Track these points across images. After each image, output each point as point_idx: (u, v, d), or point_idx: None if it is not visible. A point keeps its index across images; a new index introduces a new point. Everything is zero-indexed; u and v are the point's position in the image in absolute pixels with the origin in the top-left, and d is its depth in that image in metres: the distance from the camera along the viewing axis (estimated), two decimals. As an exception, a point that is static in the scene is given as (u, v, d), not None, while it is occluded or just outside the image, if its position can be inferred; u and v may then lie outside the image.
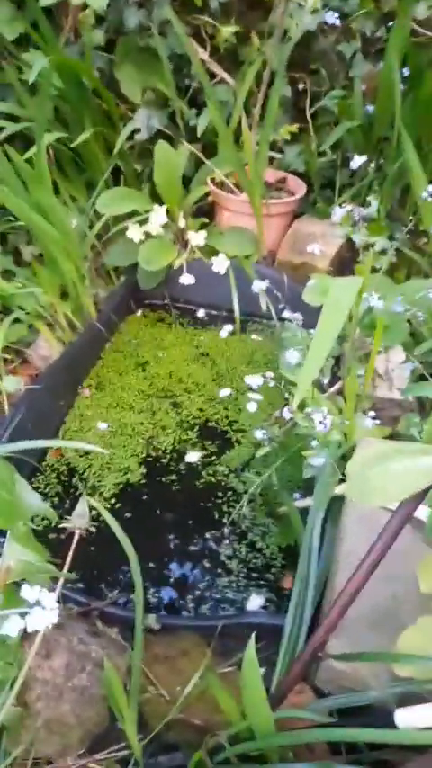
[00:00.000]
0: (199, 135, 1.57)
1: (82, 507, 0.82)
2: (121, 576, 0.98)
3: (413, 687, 0.65)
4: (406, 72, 1.47)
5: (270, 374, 1.08)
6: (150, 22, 1.51)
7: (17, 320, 1.28)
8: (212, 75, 1.61)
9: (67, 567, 0.77)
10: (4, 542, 0.75)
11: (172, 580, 0.98)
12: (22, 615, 0.53)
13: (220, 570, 0.99)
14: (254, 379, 1.18)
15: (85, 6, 1.42)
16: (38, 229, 1.25)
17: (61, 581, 0.77)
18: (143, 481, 1.14)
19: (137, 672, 0.74)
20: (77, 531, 0.80)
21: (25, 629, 0.54)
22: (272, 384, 1.07)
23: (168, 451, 1.21)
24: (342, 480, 0.90)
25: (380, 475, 0.60)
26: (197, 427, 1.27)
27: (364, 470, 0.62)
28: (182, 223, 1.52)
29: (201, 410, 1.31)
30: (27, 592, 0.54)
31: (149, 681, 0.81)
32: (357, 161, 1.17)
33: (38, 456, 1.16)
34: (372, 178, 1.58)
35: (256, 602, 0.94)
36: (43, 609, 0.53)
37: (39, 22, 1.40)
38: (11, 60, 1.50)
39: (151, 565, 1.00)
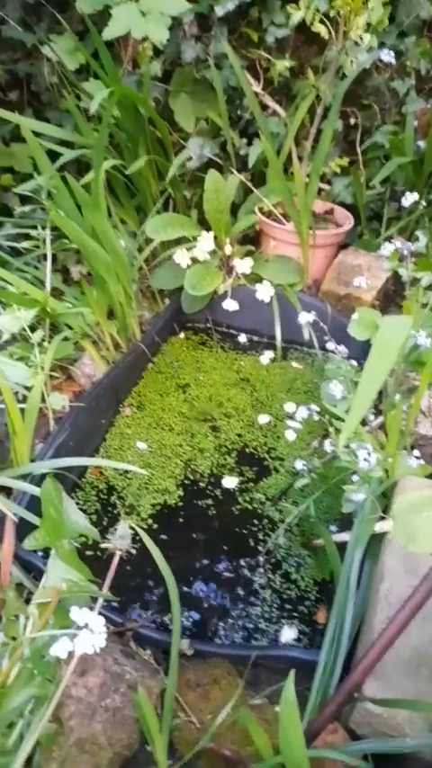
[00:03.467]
0: (250, 165, 1.60)
1: (123, 528, 0.84)
2: (154, 597, 0.99)
3: (452, 738, 0.63)
4: (459, 109, 1.48)
5: (314, 407, 1.08)
6: (207, 55, 1.56)
7: (65, 338, 1.32)
8: (264, 108, 1.65)
9: (106, 586, 0.78)
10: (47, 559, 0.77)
11: (204, 605, 0.98)
12: (71, 637, 0.54)
13: (253, 599, 0.99)
14: (294, 409, 1.18)
15: (144, 39, 1.47)
16: (90, 252, 1.29)
17: (100, 600, 0.78)
18: (180, 504, 1.15)
19: (170, 698, 0.75)
20: (118, 552, 0.82)
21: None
22: (315, 417, 1.07)
23: (206, 475, 1.22)
24: (382, 518, 0.90)
25: (428, 521, 0.60)
26: (235, 452, 1.28)
27: (411, 515, 0.62)
28: (228, 250, 1.54)
29: (239, 435, 1.32)
30: (76, 614, 0.55)
31: (180, 707, 0.81)
32: (409, 198, 1.18)
33: (78, 473, 1.18)
34: (420, 213, 1.58)
35: (288, 634, 0.94)
36: (91, 632, 0.54)
37: (100, 52, 1.46)
38: (71, 89, 1.57)
39: (185, 588, 1.00)
